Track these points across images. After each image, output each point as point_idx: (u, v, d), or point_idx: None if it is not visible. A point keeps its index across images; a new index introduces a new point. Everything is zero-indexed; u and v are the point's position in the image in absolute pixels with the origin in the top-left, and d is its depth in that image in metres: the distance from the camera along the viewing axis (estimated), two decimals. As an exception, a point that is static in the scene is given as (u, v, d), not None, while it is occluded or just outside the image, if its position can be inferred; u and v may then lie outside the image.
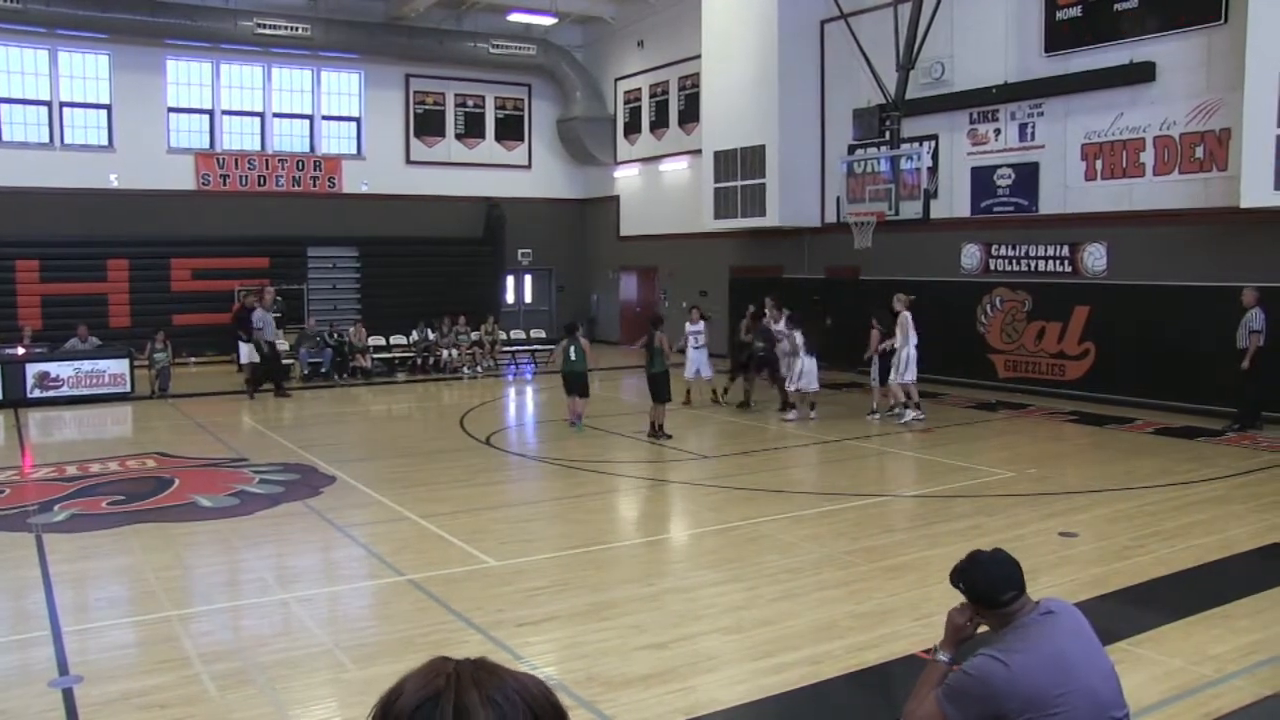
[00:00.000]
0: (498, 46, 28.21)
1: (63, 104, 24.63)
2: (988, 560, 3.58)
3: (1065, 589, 7.50)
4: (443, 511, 10.14)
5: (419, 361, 23.20)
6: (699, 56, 24.25)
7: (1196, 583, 7.66)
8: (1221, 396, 15.27)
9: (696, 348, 16.98)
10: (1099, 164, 17.32)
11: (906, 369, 15.40)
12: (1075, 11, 17.43)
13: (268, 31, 25.10)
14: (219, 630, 6.92)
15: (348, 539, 9.20)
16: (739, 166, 22.86)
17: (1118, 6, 16.83)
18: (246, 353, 20.19)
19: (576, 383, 15.05)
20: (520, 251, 30.04)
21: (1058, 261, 18.07)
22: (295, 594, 7.75)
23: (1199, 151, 15.95)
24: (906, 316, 15.53)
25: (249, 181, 26.51)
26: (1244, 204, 14.46)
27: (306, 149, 27.54)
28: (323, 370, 21.78)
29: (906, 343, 15.40)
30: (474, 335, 23.61)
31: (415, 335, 23.38)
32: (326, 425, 16.72)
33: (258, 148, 26.86)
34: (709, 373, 17.22)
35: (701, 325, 17.08)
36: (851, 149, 20.96)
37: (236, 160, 26.37)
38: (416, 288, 26.14)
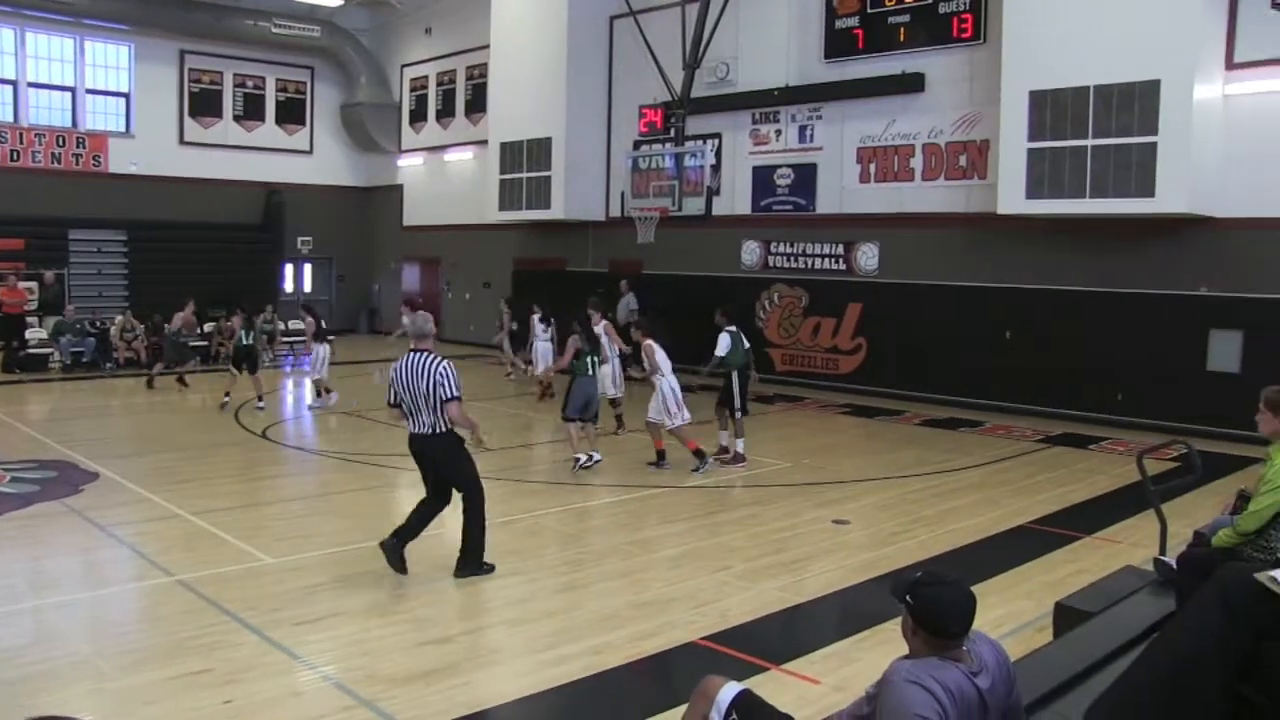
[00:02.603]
0: (280, 26, 27.21)
1: None
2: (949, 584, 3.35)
3: (839, 574, 7.88)
4: (216, 508, 9.73)
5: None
6: (487, 46, 24.08)
7: (954, 564, 8.13)
8: (983, 390, 16.31)
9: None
10: (873, 167, 18.16)
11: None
12: (853, 21, 18.22)
13: (22, -7, 23.40)
14: (-36, 640, 6.42)
15: (111, 539, 8.71)
16: (525, 158, 22.83)
17: (891, 20, 17.69)
18: None
19: (246, 357, 16.45)
20: (300, 239, 29.17)
21: (833, 260, 18.85)
22: (51, 600, 7.27)
23: (963, 160, 16.95)
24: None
25: (0, 155, 24.69)
26: (1000, 210, 15.46)
27: (68, 123, 25.81)
28: (84, 359, 20.55)
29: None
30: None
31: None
32: (89, 419, 15.78)
33: (10, 119, 24.98)
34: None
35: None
36: (637, 144, 21.27)
37: (-14, 132, 24.54)
38: (190, 275, 24.70)
